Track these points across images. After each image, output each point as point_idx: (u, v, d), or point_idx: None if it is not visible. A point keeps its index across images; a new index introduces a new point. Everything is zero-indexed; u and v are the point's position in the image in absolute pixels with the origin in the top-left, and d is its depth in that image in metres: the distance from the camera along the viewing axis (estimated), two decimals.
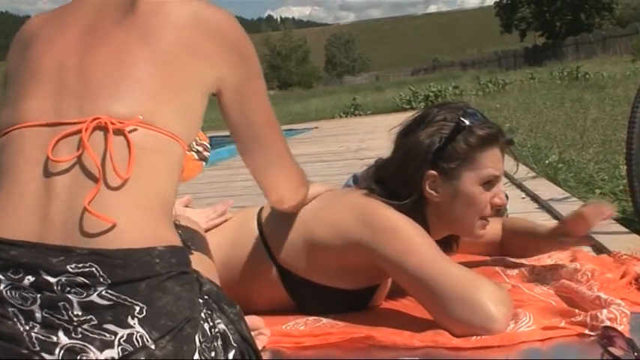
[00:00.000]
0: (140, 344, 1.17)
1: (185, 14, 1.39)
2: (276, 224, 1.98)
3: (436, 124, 1.93)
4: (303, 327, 1.83)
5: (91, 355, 1.15)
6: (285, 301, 1.98)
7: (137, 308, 1.17)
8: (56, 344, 1.15)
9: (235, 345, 1.35)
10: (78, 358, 1.15)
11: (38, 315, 1.16)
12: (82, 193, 1.22)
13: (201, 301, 1.31)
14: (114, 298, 1.17)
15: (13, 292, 1.18)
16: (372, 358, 1.62)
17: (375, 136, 10.11)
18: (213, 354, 1.28)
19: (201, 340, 1.25)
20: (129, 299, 1.17)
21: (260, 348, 1.69)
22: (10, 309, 1.17)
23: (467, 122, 1.90)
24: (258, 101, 1.57)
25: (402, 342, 1.67)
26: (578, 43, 39.31)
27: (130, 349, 1.16)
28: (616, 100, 10.24)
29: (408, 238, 1.80)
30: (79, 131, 1.26)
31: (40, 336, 1.16)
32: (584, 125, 7.21)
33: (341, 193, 2.04)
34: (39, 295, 1.17)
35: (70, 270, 1.17)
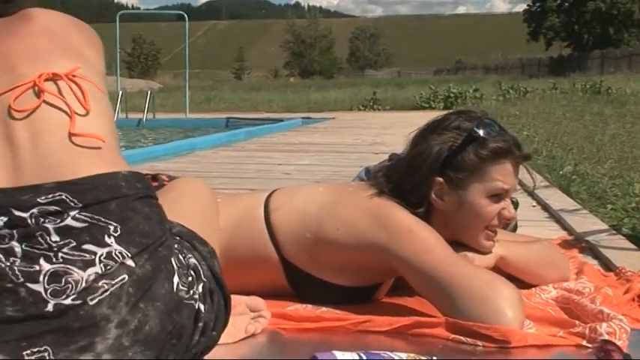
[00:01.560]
0: (120, 259, 1.22)
1: (50, 12, 1.52)
2: (284, 214, 1.97)
3: (450, 131, 1.92)
4: (302, 311, 1.84)
5: (75, 275, 1.19)
6: (284, 290, 1.98)
7: (111, 227, 1.23)
8: (39, 272, 1.18)
9: (205, 280, 1.39)
10: (63, 279, 1.18)
11: (18, 250, 1.19)
12: (47, 136, 1.29)
13: (173, 240, 1.36)
14: (88, 219, 1.22)
15: None
16: (369, 345, 1.63)
17: (392, 132, 10.11)
18: (190, 279, 1.34)
19: (178, 265, 1.32)
20: (102, 219, 1.23)
21: (259, 331, 1.70)
22: None
23: (481, 133, 1.89)
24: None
25: (400, 323, 1.69)
26: (604, 57, 39.10)
27: (112, 264, 1.21)
28: (637, 117, 10.19)
29: (424, 240, 1.80)
30: (32, 86, 1.32)
31: (22, 268, 1.18)
32: (602, 140, 7.18)
33: (353, 189, 2.01)
34: (15, 231, 1.20)
35: (41, 202, 1.21)
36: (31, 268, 1.18)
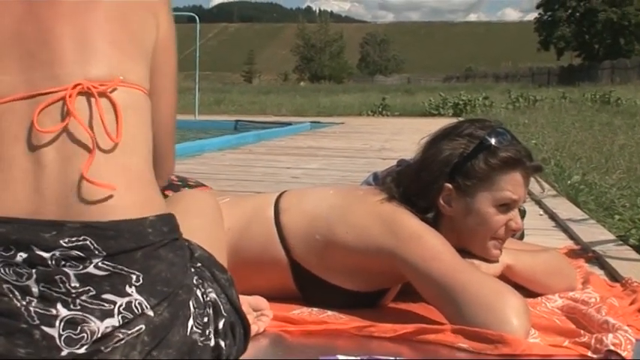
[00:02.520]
0: (139, 311, 1.19)
1: None
2: (293, 215, 1.97)
3: (462, 138, 1.92)
4: (307, 315, 1.84)
5: (92, 325, 1.16)
6: (291, 292, 1.99)
7: (134, 277, 1.19)
8: (56, 317, 1.16)
9: (225, 315, 1.37)
10: (79, 328, 1.15)
11: (35, 289, 1.16)
12: (72, 164, 1.22)
13: (193, 270, 1.33)
14: (110, 268, 1.18)
15: (7, 269, 1.17)
16: (373, 351, 1.63)
17: (400, 138, 10.10)
18: (205, 319, 1.31)
19: (195, 306, 1.28)
20: (125, 269, 1.19)
21: (261, 330, 1.70)
22: (5, 285, 1.17)
23: (492, 141, 1.89)
24: (172, 65, 1.50)
25: (405, 330, 1.69)
26: (614, 68, 39.00)
27: (130, 316, 1.18)
28: None
29: (432, 246, 1.80)
30: (61, 99, 1.24)
31: (38, 309, 1.16)
32: (611, 150, 7.15)
33: (363, 193, 2.00)
34: (34, 270, 1.17)
35: (64, 244, 1.17)
36: (48, 311, 1.16)
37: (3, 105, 1.25)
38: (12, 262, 1.17)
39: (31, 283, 1.16)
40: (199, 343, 1.29)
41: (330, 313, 1.87)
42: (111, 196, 1.21)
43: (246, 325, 1.44)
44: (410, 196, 1.93)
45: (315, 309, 1.89)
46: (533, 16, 59.37)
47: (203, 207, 1.66)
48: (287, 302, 1.93)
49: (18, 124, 1.24)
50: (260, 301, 1.77)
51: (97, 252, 1.17)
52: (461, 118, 2.17)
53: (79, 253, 1.17)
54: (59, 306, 1.16)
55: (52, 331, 1.15)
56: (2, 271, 1.17)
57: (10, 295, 1.16)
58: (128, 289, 1.18)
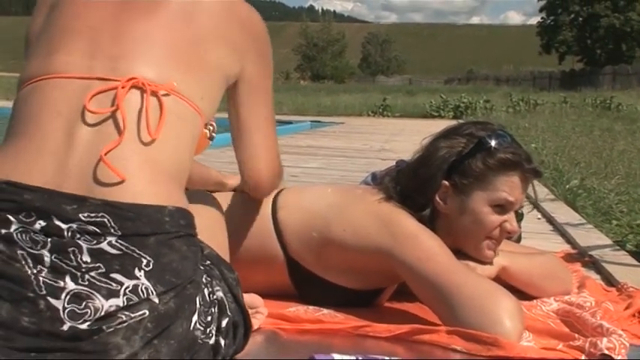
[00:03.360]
0: (145, 296, 1.20)
1: (221, 3, 1.48)
2: (291, 212, 1.98)
3: (462, 137, 1.93)
4: (303, 313, 1.84)
5: (97, 302, 1.17)
6: (287, 289, 1.99)
7: (144, 261, 1.21)
8: (63, 289, 1.17)
9: (230, 314, 1.38)
10: (84, 303, 1.17)
11: (47, 259, 1.18)
12: (102, 147, 1.26)
13: (202, 267, 1.34)
14: (123, 248, 1.20)
15: (24, 235, 1.20)
16: (368, 350, 1.64)
17: (400, 139, 10.10)
18: (209, 318, 1.32)
19: (201, 302, 1.29)
20: (137, 251, 1.20)
21: (255, 327, 1.71)
22: (20, 251, 1.19)
23: (491, 142, 1.90)
24: (266, 97, 1.65)
25: (400, 331, 1.70)
26: (615, 73, 39.03)
27: (135, 299, 1.19)
28: None
29: (428, 247, 1.81)
30: (114, 88, 1.29)
31: (47, 280, 1.18)
32: (610, 155, 7.16)
33: (362, 192, 2.01)
34: (49, 240, 1.19)
35: (82, 218, 1.20)
36: (56, 282, 1.17)
37: (55, 80, 1.32)
38: (30, 229, 1.20)
39: (45, 252, 1.19)
40: (199, 341, 1.29)
41: (325, 311, 1.87)
42: (134, 183, 1.24)
43: (248, 326, 1.45)
44: (408, 193, 1.93)
45: (310, 307, 1.90)
46: (536, 19, 59.39)
47: (207, 207, 1.67)
48: (283, 300, 1.94)
49: (64, 102, 1.30)
50: (255, 298, 1.78)
51: (112, 230, 1.20)
52: (461, 121, 2.18)
53: (95, 228, 1.19)
54: (68, 279, 1.18)
55: (57, 303, 1.17)
56: (19, 236, 1.20)
57: (23, 262, 1.19)
58: (137, 272, 1.20)
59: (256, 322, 1.72)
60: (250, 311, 1.74)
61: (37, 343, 1.16)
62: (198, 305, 1.28)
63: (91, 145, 1.26)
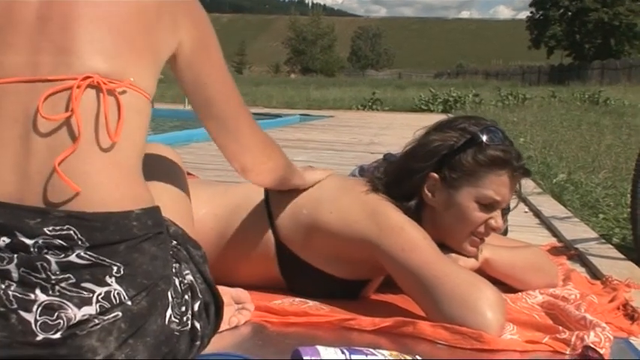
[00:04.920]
0: (117, 301, 1.19)
1: None
2: (284, 196, 1.98)
3: (454, 131, 1.94)
4: (289, 306, 1.84)
5: (69, 312, 1.16)
6: (275, 279, 2.00)
7: (115, 268, 1.19)
8: (34, 301, 1.16)
9: (201, 296, 1.37)
10: (56, 314, 1.16)
11: (15, 274, 1.16)
12: (60, 154, 1.20)
13: (170, 252, 1.33)
14: (92, 259, 1.18)
15: None
16: (353, 342, 1.64)
17: (389, 132, 10.12)
18: (183, 308, 1.31)
19: (173, 296, 1.28)
20: (107, 260, 1.18)
21: (241, 323, 1.71)
22: None
23: (483, 138, 1.90)
24: (214, 67, 1.50)
25: (384, 324, 1.71)
26: (604, 68, 39.13)
27: (108, 305, 1.18)
28: (633, 128, 10.21)
29: (412, 238, 1.81)
30: (69, 88, 1.22)
31: (17, 294, 1.16)
32: (598, 150, 7.19)
33: (352, 183, 2.01)
34: (15, 256, 1.16)
35: (47, 232, 1.17)
36: (26, 296, 1.16)
37: (7, 85, 1.24)
38: None
39: (12, 267, 1.16)
40: (176, 332, 1.29)
41: (311, 303, 1.88)
42: (97, 190, 1.20)
43: (219, 303, 1.44)
44: (396, 183, 1.94)
45: (296, 299, 1.90)
46: (525, 14, 59.52)
47: (170, 179, 1.63)
48: (269, 292, 1.94)
49: (19, 107, 1.23)
50: (242, 293, 1.77)
51: (80, 242, 1.17)
52: (451, 115, 2.18)
53: (61, 242, 1.17)
54: (38, 291, 1.16)
55: (29, 316, 1.15)
56: None
57: None
58: (108, 279, 1.18)
59: (242, 318, 1.72)
60: (237, 307, 1.74)
61: (9, 353, 1.15)
62: (170, 299, 1.27)
63: (50, 154, 1.20)
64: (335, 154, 7.07)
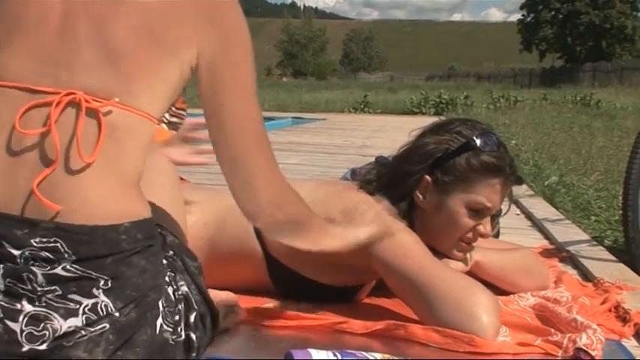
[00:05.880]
0: (104, 313, 1.17)
1: None
2: None
3: (449, 134, 1.93)
4: (280, 309, 1.84)
5: (55, 323, 1.15)
6: (266, 284, 1.99)
7: (102, 281, 1.17)
8: (20, 311, 1.15)
9: (196, 307, 1.36)
10: (42, 325, 1.15)
11: (0, 284, 1.15)
12: (42, 170, 1.18)
13: (165, 262, 1.31)
14: (79, 272, 1.16)
15: None
16: (345, 345, 1.64)
17: (381, 135, 10.11)
18: (177, 317, 1.29)
19: (165, 305, 1.26)
20: (94, 273, 1.17)
21: (230, 326, 1.71)
22: None
23: (478, 143, 1.90)
24: (236, 88, 1.35)
25: (376, 327, 1.71)
26: (595, 70, 39.20)
27: (94, 317, 1.17)
28: (625, 131, 10.22)
29: (405, 244, 1.81)
30: (49, 104, 1.19)
31: (3, 303, 1.15)
32: (590, 152, 7.20)
33: (343, 189, 2.00)
34: (1, 265, 1.16)
35: (34, 244, 1.16)
36: (13, 305, 1.15)
37: (2, 89, 1.22)
38: None
39: None
40: (171, 342, 1.27)
41: (303, 306, 1.87)
42: (86, 203, 1.19)
43: (214, 314, 1.43)
44: (389, 186, 1.94)
45: (288, 302, 1.90)
46: (516, 17, 59.65)
47: (165, 187, 1.60)
48: (261, 295, 1.94)
49: (8, 113, 1.21)
50: (230, 297, 1.77)
51: (66, 255, 1.16)
52: (443, 117, 2.18)
53: (48, 254, 1.16)
54: (24, 302, 1.15)
55: (15, 326, 1.15)
56: None
57: None
58: (95, 292, 1.17)
59: (230, 321, 1.71)
60: (224, 310, 1.73)
61: None
62: (161, 308, 1.25)
63: (35, 166, 1.19)
64: (327, 157, 7.07)
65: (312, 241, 1.58)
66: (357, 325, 1.73)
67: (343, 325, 1.74)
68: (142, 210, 1.25)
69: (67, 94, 1.20)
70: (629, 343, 1.80)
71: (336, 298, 1.94)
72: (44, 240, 1.16)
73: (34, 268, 1.15)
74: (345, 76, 71.63)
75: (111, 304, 1.18)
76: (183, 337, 1.30)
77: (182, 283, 1.34)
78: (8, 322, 1.15)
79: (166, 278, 1.29)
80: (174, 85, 1.30)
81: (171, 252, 1.36)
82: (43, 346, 1.15)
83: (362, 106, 19.59)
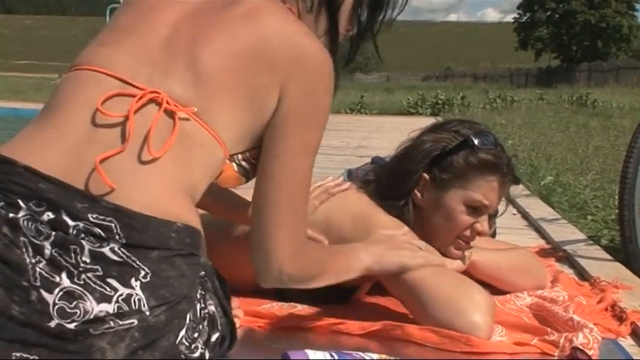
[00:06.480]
0: (136, 307, 1.18)
1: (277, 33, 1.36)
2: None
3: (447, 132, 1.95)
4: (278, 310, 1.84)
5: (87, 305, 1.16)
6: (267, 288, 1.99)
7: (142, 272, 1.19)
8: (57, 284, 1.16)
9: (220, 329, 1.37)
10: (74, 303, 1.16)
11: (47, 251, 1.17)
12: (116, 149, 1.25)
13: (198, 280, 1.32)
14: (124, 256, 1.19)
15: (30, 223, 1.19)
16: (342, 346, 1.64)
17: (378, 136, 10.11)
18: (196, 335, 1.30)
19: (192, 318, 1.28)
20: (137, 262, 1.19)
21: None
22: (22, 238, 1.18)
23: (476, 141, 1.91)
24: (297, 142, 1.41)
25: (372, 328, 1.71)
26: (591, 70, 39.22)
27: (126, 308, 1.18)
28: (621, 130, 10.23)
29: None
30: (133, 96, 1.28)
31: (43, 272, 1.17)
32: (586, 151, 7.22)
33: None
34: (53, 233, 1.18)
35: (91, 219, 1.19)
36: (52, 277, 1.16)
37: (99, 74, 1.31)
38: (37, 219, 1.19)
39: (47, 244, 1.18)
40: (182, 356, 1.28)
41: (300, 307, 1.88)
42: (146, 194, 1.23)
43: (234, 338, 1.44)
44: (388, 185, 1.94)
45: (285, 304, 1.90)
46: (512, 16, 59.67)
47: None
48: (259, 297, 1.94)
49: (96, 94, 1.28)
50: (232, 300, 1.77)
51: (117, 237, 1.19)
52: (439, 117, 2.20)
53: (100, 231, 1.19)
54: (64, 275, 1.17)
55: (49, 297, 1.16)
56: (25, 224, 1.19)
57: (23, 249, 1.18)
58: (133, 282, 1.19)
59: None
60: None
61: (23, 335, 1.16)
62: (188, 321, 1.26)
63: (106, 147, 1.24)
64: (324, 158, 7.06)
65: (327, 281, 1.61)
66: (353, 325, 1.74)
67: (340, 326, 1.74)
68: (195, 220, 1.29)
69: (152, 92, 1.28)
70: (626, 342, 1.80)
71: (333, 299, 1.94)
72: (101, 217, 1.19)
73: (83, 242, 1.18)
74: (341, 76, 71.55)
75: (144, 300, 1.19)
76: (196, 355, 1.30)
77: (210, 302, 1.36)
78: (43, 292, 1.16)
79: (197, 294, 1.31)
80: (251, 127, 1.37)
81: (203, 272, 1.36)
82: (72, 326, 1.16)
83: (358, 107, 19.58)
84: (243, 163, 1.42)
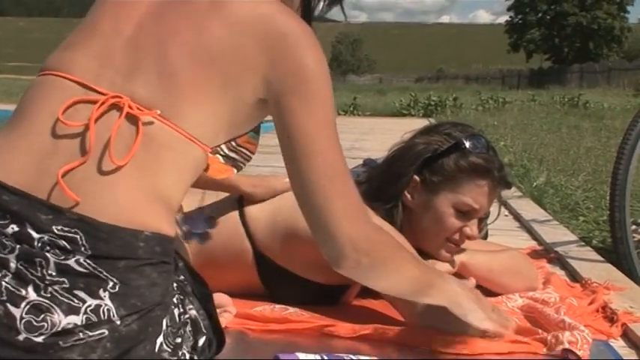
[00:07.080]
0: (106, 317, 1.16)
1: (251, 16, 1.31)
2: (259, 204, 1.97)
3: (439, 135, 1.95)
4: (269, 313, 1.84)
5: (55, 317, 1.15)
6: (255, 287, 1.99)
7: (111, 283, 1.17)
8: (24, 298, 1.15)
9: (205, 332, 1.36)
10: (42, 316, 1.14)
11: (13, 265, 1.15)
12: (78, 160, 1.21)
13: (175, 285, 1.30)
14: (90, 268, 1.16)
15: None
16: (333, 349, 1.64)
17: (370, 138, 10.12)
18: (179, 340, 1.28)
19: (169, 324, 1.25)
20: (104, 273, 1.17)
21: (223, 326, 1.70)
22: None
23: (467, 144, 1.91)
24: (308, 121, 1.35)
25: (363, 331, 1.71)
26: (583, 71, 39.35)
27: (95, 319, 1.16)
28: (612, 131, 10.26)
29: None
30: (95, 102, 1.24)
31: (9, 286, 1.15)
32: (578, 152, 7.24)
33: None
34: (18, 246, 1.16)
35: (55, 231, 1.17)
36: (18, 290, 1.15)
37: (64, 80, 1.28)
38: (2, 232, 1.17)
39: (12, 257, 1.16)
40: None
41: (292, 310, 1.87)
42: (112, 203, 1.20)
43: (221, 340, 1.43)
44: (380, 187, 1.95)
45: (277, 306, 1.89)
46: (504, 18, 59.83)
47: None
48: (250, 299, 1.94)
49: (59, 102, 1.25)
50: (223, 298, 1.77)
51: (82, 249, 1.16)
52: (431, 119, 2.21)
53: (65, 244, 1.16)
54: (30, 288, 1.15)
55: (15, 312, 1.14)
56: None
57: None
58: (101, 293, 1.16)
59: (223, 320, 1.71)
60: (218, 310, 1.73)
61: None
62: (165, 327, 1.24)
63: (69, 156, 1.22)
64: None
65: (412, 291, 1.55)
66: (344, 328, 1.74)
67: (331, 329, 1.74)
68: (166, 228, 1.25)
69: (114, 97, 1.24)
70: (617, 344, 1.80)
71: (324, 298, 1.94)
72: (65, 229, 1.17)
73: (48, 255, 1.16)
74: (334, 78, 71.17)
75: (114, 310, 1.17)
76: None
77: (190, 307, 1.33)
78: (9, 306, 1.14)
79: (174, 299, 1.28)
80: (228, 117, 1.32)
81: (182, 277, 1.34)
82: (40, 339, 1.14)
83: (351, 109, 19.59)
84: (231, 154, 1.40)
